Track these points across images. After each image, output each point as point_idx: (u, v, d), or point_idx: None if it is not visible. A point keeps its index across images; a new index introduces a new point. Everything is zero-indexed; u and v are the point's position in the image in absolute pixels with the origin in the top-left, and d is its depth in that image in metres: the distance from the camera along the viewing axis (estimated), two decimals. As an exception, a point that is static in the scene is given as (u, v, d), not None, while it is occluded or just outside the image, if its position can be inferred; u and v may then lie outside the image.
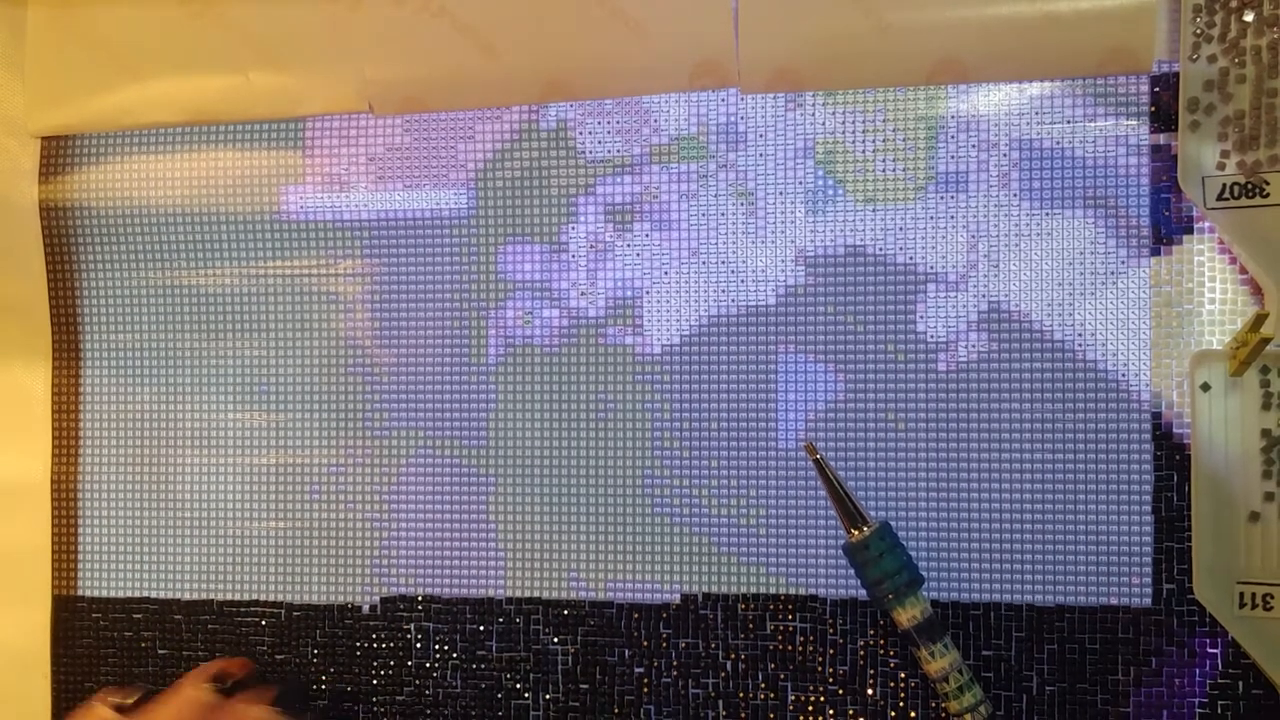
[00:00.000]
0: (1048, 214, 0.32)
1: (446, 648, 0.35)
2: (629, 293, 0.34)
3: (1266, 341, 0.29)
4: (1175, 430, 0.31)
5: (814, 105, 0.33)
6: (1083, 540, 0.32)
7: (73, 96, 0.36)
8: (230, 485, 0.36)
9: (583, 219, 0.35)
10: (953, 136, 0.32)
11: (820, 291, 0.33)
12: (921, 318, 0.33)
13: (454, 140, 0.35)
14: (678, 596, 0.34)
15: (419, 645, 0.35)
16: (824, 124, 0.33)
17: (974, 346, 0.32)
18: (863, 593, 0.32)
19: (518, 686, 0.35)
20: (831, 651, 0.33)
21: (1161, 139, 0.31)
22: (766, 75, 0.32)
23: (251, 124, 0.36)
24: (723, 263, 0.34)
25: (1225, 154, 0.30)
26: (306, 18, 0.35)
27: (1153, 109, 0.31)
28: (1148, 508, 0.31)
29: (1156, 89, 0.31)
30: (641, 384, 0.34)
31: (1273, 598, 0.30)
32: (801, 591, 0.33)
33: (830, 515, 0.33)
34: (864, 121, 0.33)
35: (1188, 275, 0.31)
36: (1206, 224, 0.31)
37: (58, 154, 0.37)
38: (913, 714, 0.32)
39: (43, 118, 0.37)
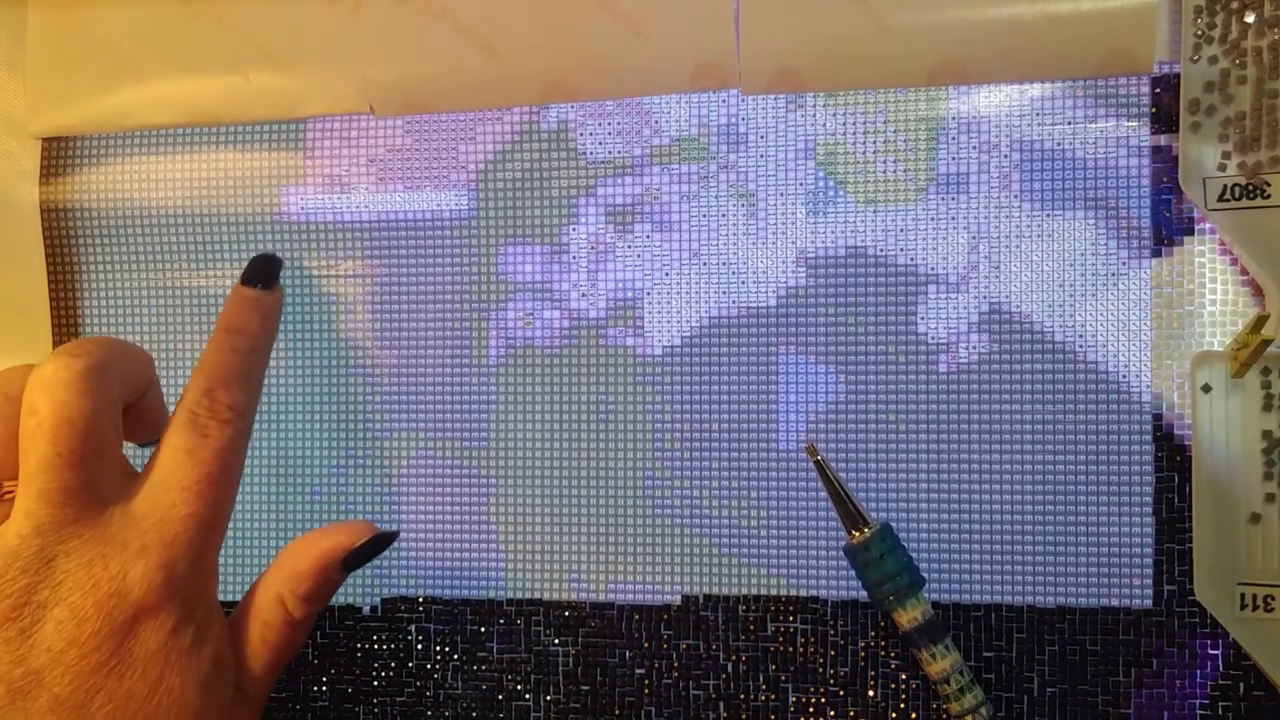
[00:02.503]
0: (1048, 215, 0.32)
1: (447, 649, 0.35)
2: (630, 294, 0.34)
3: (1267, 343, 0.29)
4: (1176, 431, 0.31)
5: (815, 106, 0.33)
6: (1083, 542, 0.32)
7: (73, 98, 0.36)
8: (231, 486, 0.36)
9: (583, 220, 0.35)
10: (953, 138, 0.32)
11: (821, 293, 0.33)
12: (922, 319, 0.33)
13: (455, 141, 0.35)
14: (679, 598, 0.34)
15: (420, 646, 0.35)
16: (825, 125, 0.33)
17: (975, 348, 0.32)
18: (864, 594, 0.32)
19: (519, 688, 0.35)
20: (832, 653, 0.33)
21: (1162, 140, 0.31)
22: (767, 76, 0.32)
23: (252, 125, 0.36)
24: (724, 264, 0.34)
25: (1226, 155, 0.30)
26: (307, 18, 0.35)
27: (1153, 110, 0.31)
28: (1149, 509, 0.31)
29: (1157, 90, 0.31)
30: (642, 385, 0.34)
31: (1274, 599, 0.30)
32: (802, 593, 0.33)
33: (831, 516, 0.33)
34: (865, 123, 0.33)
35: (1188, 276, 0.31)
36: (1207, 225, 0.31)
37: (58, 155, 0.37)
38: (914, 715, 0.32)
39: (43, 119, 0.37)
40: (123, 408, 0.28)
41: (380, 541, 0.30)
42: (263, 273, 0.32)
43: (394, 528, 0.32)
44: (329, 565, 0.29)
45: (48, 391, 0.26)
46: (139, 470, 0.29)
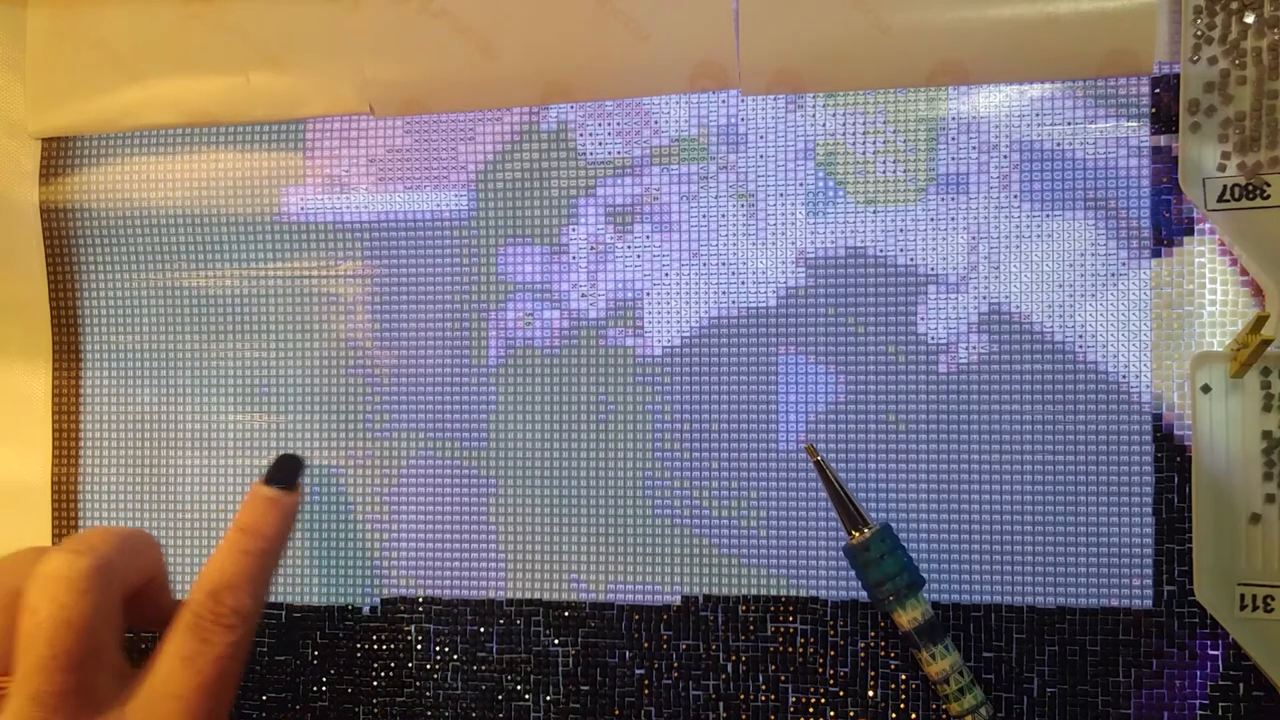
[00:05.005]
0: (1048, 215, 0.32)
1: (447, 649, 0.35)
2: (629, 294, 0.34)
3: (1267, 343, 0.29)
4: (1176, 432, 0.31)
5: (815, 107, 0.33)
6: (1083, 542, 0.32)
7: (73, 98, 0.36)
8: (230, 487, 0.36)
9: (583, 220, 0.35)
10: (953, 138, 0.32)
11: (821, 293, 0.33)
12: (922, 319, 0.33)
13: (454, 142, 0.35)
14: (678, 598, 0.34)
15: (419, 647, 0.35)
16: (825, 125, 0.33)
17: (975, 348, 0.32)
18: (864, 594, 0.32)
19: (518, 688, 0.35)
20: (832, 653, 0.33)
21: (1162, 140, 0.31)
22: (767, 77, 0.32)
23: (252, 125, 0.36)
24: (723, 264, 0.34)
25: (1226, 155, 0.30)
26: (307, 19, 0.35)
27: (1153, 110, 0.31)
28: (1149, 509, 0.31)
29: (1157, 90, 0.31)
30: (642, 385, 0.34)
31: (1273, 599, 0.30)
32: (802, 593, 0.33)
33: (831, 517, 0.33)
34: (865, 123, 0.33)
35: (1188, 277, 0.31)
36: (1207, 225, 0.31)
37: (58, 155, 0.37)
38: (914, 715, 0.32)
39: (43, 119, 0.37)
40: (127, 598, 0.28)
41: None
42: (284, 473, 0.32)
43: None
44: None
45: (49, 592, 0.26)
46: (136, 669, 0.28)
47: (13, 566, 0.27)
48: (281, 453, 0.33)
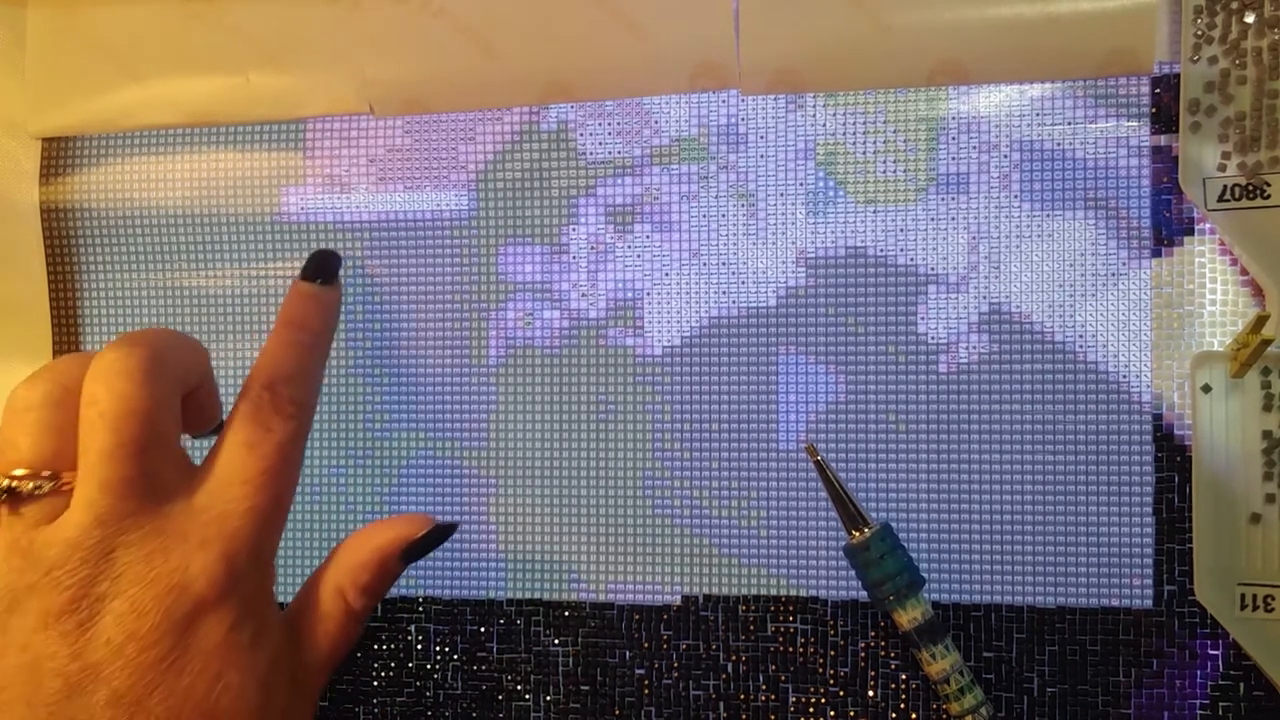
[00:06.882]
0: (1048, 215, 0.32)
1: (447, 649, 0.35)
2: (630, 294, 0.34)
3: (1267, 343, 0.29)
4: (1176, 432, 0.31)
5: (815, 107, 0.33)
6: (1084, 542, 0.32)
7: (73, 98, 0.36)
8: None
9: (583, 220, 0.35)
10: (953, 138, 0.32)
11: (821, 293, 0.33)
12: (922, 319, 0.33)
13: (455, 142, 0.35)
14: (678, 598, 0.34)
15: (420, 647, 0.35)
16: (825, 125, 0.33)
17: (975, 348, 0.32)
18: (864, 594, 0.32)
19: (518, 688, 0.35)
20: (832, 653, 0.33)
21: (1162, 140, 0.31)
22: (767, 77, 0.32)
23: (252, 125, 0.36)
24: (723, 264, 0.34)
25: (1226, 155, 0.30)
26: (307, 19, 0.35)
27: (1153, 110, 0.31)
28: (1149, 509, 0.31)
29: (1157, 90, 0.31)
30: (642, 385, 0.34)
31: (1273, 599, 0.30)
32: (802, 593, 0.33)
33: (831, 517, 0.33)
34: (865, 123, 0.33)
35: (1188, 277, 0.31)
36: (1207, 225, 0.31)
37: (58, 155, 0.37)
38: (914, 715, 0.32)
39: (43, 119, 0.37)
40: (182, 397, 0.28)
41: (440, 533, 0.29)
42: (321, 268, 0.31)
43: (454, 520, 0.31)
44: (389, 557, 0.29)
45: (107, 382, 0.26)
46: (196, 463, 0.28)
47: (64, 367, 0.27)
48: (317, 248, 0.32)
